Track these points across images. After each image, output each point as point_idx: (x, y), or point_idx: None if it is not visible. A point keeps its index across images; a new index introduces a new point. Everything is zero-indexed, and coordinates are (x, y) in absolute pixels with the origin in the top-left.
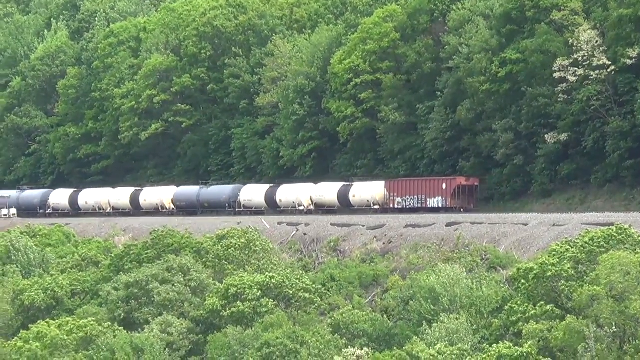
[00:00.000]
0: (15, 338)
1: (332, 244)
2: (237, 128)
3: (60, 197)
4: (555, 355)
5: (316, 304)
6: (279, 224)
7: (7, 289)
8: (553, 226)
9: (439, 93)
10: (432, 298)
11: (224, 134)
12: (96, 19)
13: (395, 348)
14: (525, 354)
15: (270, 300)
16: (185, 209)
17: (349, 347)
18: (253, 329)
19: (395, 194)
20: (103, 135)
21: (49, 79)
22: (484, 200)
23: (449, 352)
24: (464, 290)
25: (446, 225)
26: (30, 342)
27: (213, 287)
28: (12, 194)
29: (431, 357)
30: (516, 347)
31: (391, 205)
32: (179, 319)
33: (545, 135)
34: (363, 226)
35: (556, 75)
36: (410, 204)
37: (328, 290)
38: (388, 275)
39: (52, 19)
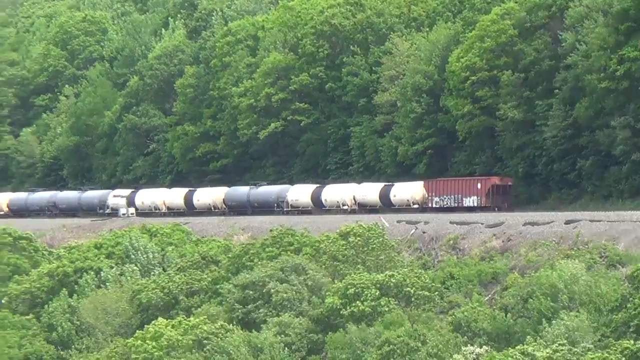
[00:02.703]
0: (133, 337)
1: (451, 242)
2: (356, 126)
3: (118, 197)
4: None
5: (436, 303)
6: (397, 222)
7: (126, 288)
8: None
9: (557, 90)
10: (551, 295)
11: (342, 132)
12: (213, 17)
13: (511, 347)
14: None
15: (391, 299)
16: (236, 208)
17: (469, 345)
18: (374, 327)
19: (433, 194)
20: (221, 134)
21: (166, 78)
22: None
23: (566, 351)
24: (583, 288)
25: (565, 223)
26: (147, 341)
27: (329, 286)
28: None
29: (547, 356)
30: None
31: (429, 205)
32: (296, 317)
33: None
34: (482, 224)
35: None
36: (447, 203)
37: (447, 289)
38: (507, 273)
39: (169, 18)
